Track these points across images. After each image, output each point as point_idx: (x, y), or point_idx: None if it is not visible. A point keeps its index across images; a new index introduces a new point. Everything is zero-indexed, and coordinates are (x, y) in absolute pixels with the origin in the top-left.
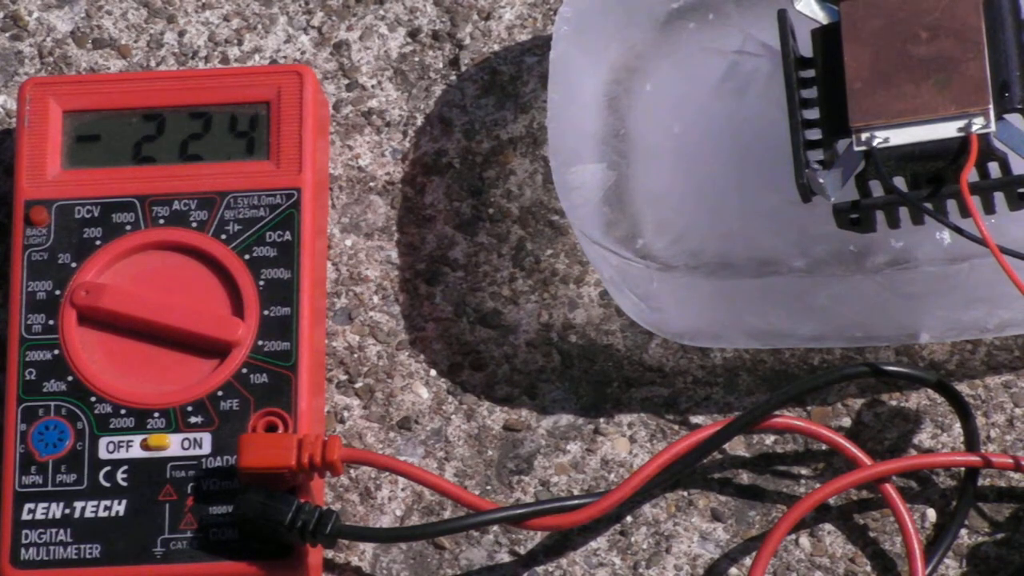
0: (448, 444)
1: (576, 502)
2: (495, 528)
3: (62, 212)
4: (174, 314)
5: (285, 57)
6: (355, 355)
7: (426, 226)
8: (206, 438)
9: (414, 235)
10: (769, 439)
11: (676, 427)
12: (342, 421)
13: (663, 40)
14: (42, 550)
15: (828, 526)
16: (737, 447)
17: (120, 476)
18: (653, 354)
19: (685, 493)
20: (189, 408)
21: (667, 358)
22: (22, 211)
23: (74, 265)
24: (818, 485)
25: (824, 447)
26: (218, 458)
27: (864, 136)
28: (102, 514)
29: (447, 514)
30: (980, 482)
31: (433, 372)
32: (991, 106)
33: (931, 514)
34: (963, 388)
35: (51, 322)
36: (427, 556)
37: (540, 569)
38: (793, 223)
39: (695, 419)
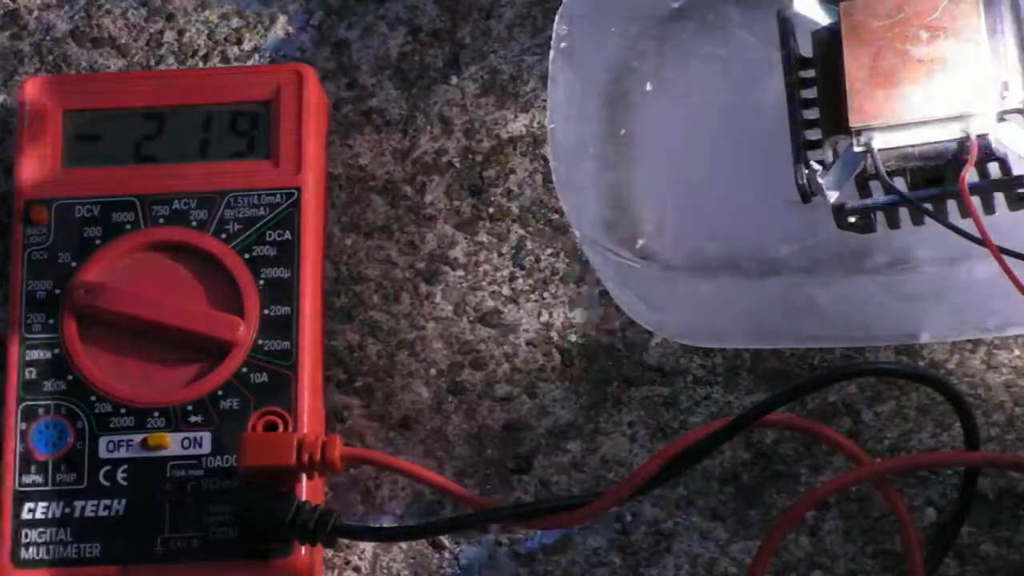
0: (448, 443)
1: (576, 501)
2: (495, 527)
3: (62, 211)
4: (174, 313)
5: (285, 56)
6: (355, 354)
7: (426, 225)
8: (206, 437)
9: (414, 234)
10: (769, 439)
11: (676, 427)
12: (342, 420)
13: (663, 40)
14: (42, 549)
15: (828, 526)
16: (737, 447)
17: (120, 475)
18: (653, 353)
19: (685, 493)
20: (189, 407)
21: (667, 358)
22: (22, 210)
23: (74, 264)
24: (818, 484)
25: (824, 447)
26: (218, 457)
27: (864, 137)
28: (102, 513)
29: (447, 513)
30: (980, 482)
31: (433, 372)
32: (991, 106)
33: (931, 514)
34: (963, 388)
35: (51, 321)
36: (427, 556)
37: (540, 569)
38: (793, 223)
39: (695, 419)
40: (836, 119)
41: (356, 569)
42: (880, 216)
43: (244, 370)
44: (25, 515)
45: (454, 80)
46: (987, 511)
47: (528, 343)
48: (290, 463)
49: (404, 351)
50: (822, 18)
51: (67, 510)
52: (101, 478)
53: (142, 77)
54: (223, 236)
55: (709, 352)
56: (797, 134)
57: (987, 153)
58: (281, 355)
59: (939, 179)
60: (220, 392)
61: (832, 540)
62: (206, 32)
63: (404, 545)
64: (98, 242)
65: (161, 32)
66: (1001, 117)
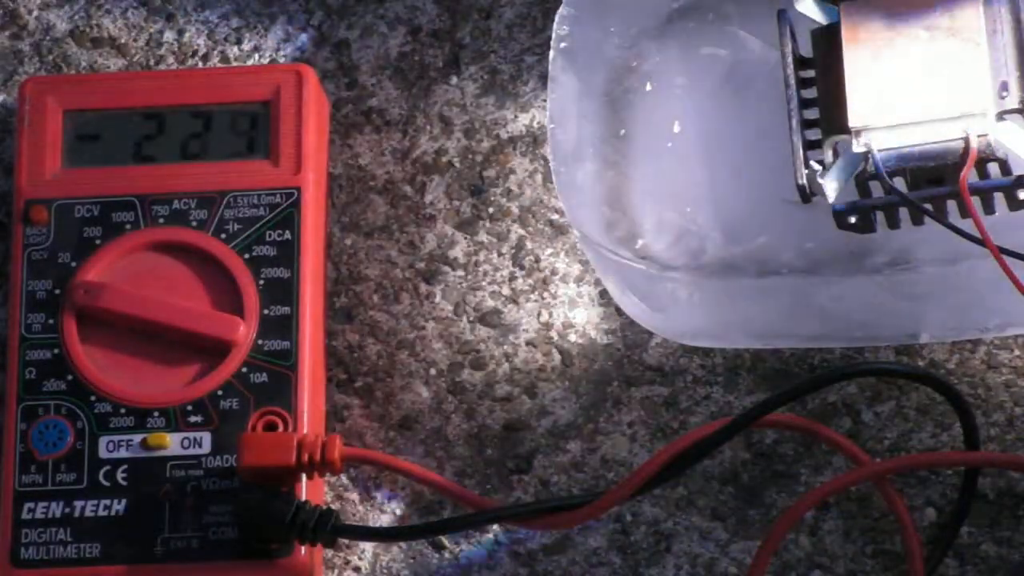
0: (448, 443)
1: (576, 501)
2: (495, 527)
3: (62, 211)
4: (174, 313)
5: (285, 56)
6: (355, 354)
7: (426, 225)
8: (206, 437)
9: (414, 234)
10: (769, 438)
11: (676, 427)
12: (342, 420)
13: (663, 40)
14: (42, 549)
15: (828, 525)
16: (737, 447)
17: (120, 475)
18: (653, 353)
19: (685, 493)
20: (189, 407)
21: (667, 357)
22: (22, 210)
23: (74, 264)
24: (818, 484)
25: (824, 447)
26: (218, 457)
27: (864, 137)
28: (102, 513)
29: (447, 513)
30: (980, 482)
31: (433, 371)
32: (991, 107)
33: (931, 514)
34: (963, 388)
35: (51, 321)
36: (427, 556)
37: (540, 569)
38: (793, 223)
39: (695, 419)
40: (836, 119)
41: (356, 569)
42: (880, 216)
43: (244, 370)
44: (25, 515)
45: (454, 80)
46: (987, 511)
47: (528, 343)
48: (290, 463)
49: (404, 351)
50: (822, 18)
51: (67, 510)
52: (101, 478)
53: (142, 77)
54: (223, 236)
55: (709, 352)
56: (797, 134)
57: (987, 153)
58: (281, 355)
59: (939, 179)
60: (220, 392)
61: (832, 540)
62: (206, 32)
63: (404, 545)
64: (98, 242)
65: (161, 32)
66: (1001, 117)
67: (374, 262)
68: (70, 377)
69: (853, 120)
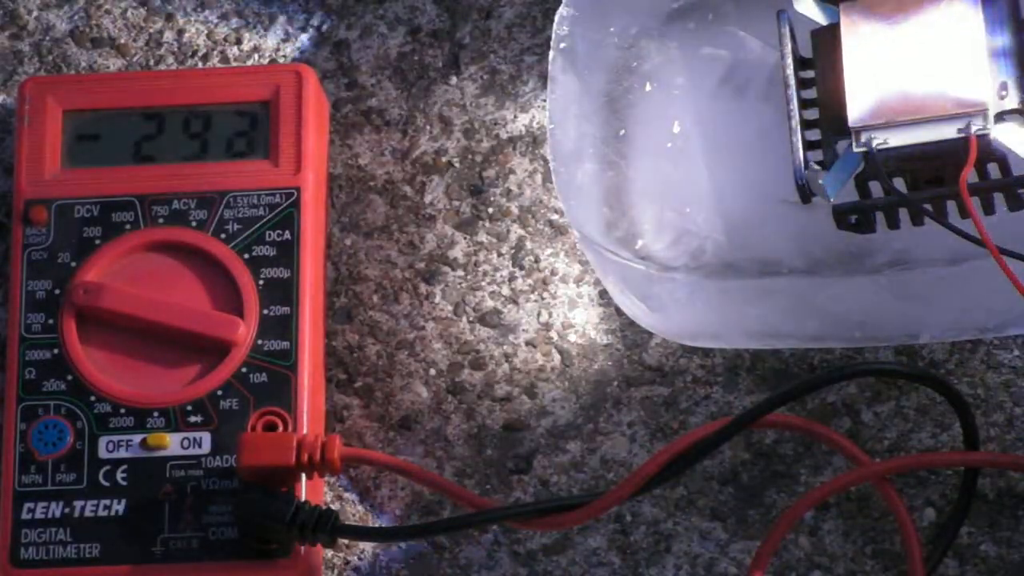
0: (447, 443)
1: (576, 501)
2: (495, 527)
3: (62, 211)
4: (173, 313)
5: (284, 56)
6: (355, 354)
7: (426, 225)
8: (206, 437)
9: (414, 234)
10: (769, 438)
11: (676, 427)
12: (342, 420)
13: (663, 40)
14: (42, 549)
15: (828, 526)
16: (737, 447)
17: (120, 475)
18: (653, 353)
19: (685, 493)
20: (188, 407)
21: (667, 358)
22: (22, 210)
23: (74, 264)
24: (818, 484)
25: (824, 447)
26: (218, 457)
27: (863, 137)
28: (102, 513)
29: (446, 513)
30: (980, 482)
31: (433, 372)
32: (990, 107)
33: (931, 514)
34: (963, 388)
35: (51, 321)
36: (427, 556)
37: (540, 569)
38: (793, 223)
39: (695, 419)
40: (836, 119)
41: (356, 569)
42: (880, 216)
43: (244, 370)
44: (25, 515)
45: (454, 80)
46: (987, 511)
47: (528, 343)
48: (290, 463)
49: (404, 351)
50: (822, 18)
51: (67, 510)
52: (101, 478)
53: (142, 77)
54: (223, 236)
55: (709, 352)
56: (796, 134)
57: (986, 153)
58: (281, 355)
59: (939, 179)
60: (220, 392)
61: (832, 540)
62: (206, 32)
63: (404, 545)
64: (98, 242)
65: (161, 32)
66: (1000, 117)
67: (374, 262)
68: (70, 377)
69: (853, 120)
